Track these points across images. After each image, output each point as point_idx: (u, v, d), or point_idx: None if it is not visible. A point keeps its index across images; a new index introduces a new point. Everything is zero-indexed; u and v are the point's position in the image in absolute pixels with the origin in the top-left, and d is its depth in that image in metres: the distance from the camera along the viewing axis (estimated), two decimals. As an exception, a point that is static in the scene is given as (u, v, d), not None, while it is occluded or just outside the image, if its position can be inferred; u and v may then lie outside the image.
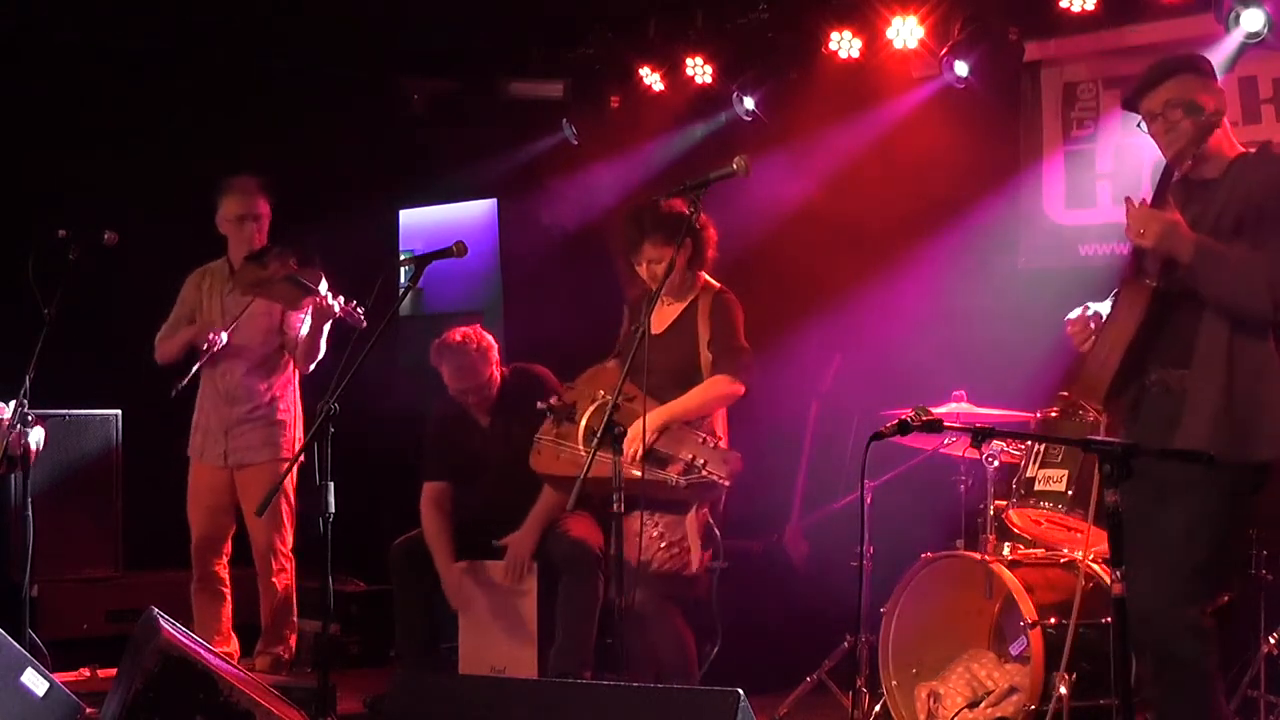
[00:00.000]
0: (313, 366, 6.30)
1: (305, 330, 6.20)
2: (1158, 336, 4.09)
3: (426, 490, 6.07)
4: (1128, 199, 4.11)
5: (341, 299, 6.04)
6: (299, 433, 6.34)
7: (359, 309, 5.95)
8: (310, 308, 6.08)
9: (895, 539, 5.75)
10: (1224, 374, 4.00)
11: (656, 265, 5.15)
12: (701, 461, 4.77)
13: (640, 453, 4.69)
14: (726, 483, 4.87)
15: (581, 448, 5.02)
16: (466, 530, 6.05)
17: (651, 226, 5.14)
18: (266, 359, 6.30)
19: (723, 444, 4.94)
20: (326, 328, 6.14)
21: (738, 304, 5.21)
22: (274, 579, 6.31)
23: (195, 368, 6.08)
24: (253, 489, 6.22)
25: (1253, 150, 4.18)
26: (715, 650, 5.74)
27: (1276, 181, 4.05)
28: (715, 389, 5.03)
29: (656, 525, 4.95)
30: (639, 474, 4.65)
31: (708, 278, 5.26)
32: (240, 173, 6.41)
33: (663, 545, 4.99)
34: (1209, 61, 4.24)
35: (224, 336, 6.15)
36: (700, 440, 4.82)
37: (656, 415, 4.83)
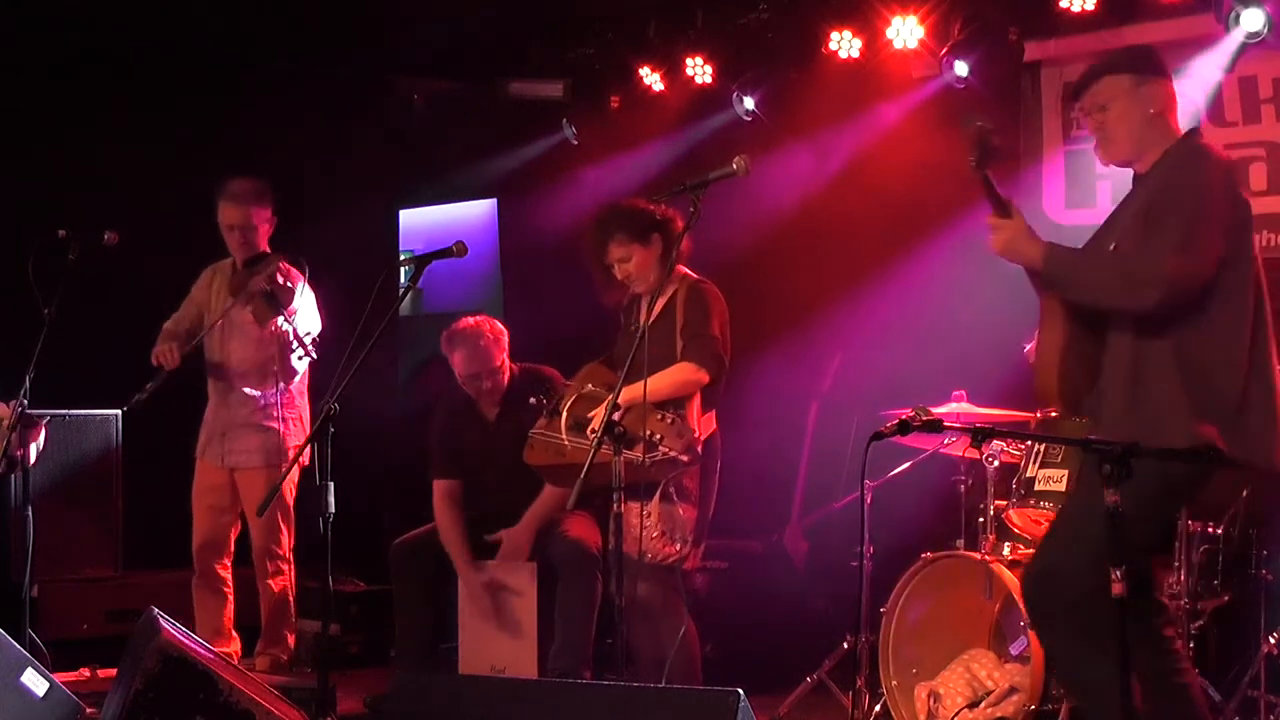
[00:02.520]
0: (296, 379, 6.30)
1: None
2: (1092, 341, 4.08)
3: (438, 488, 6.05)
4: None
5: (304, 323, 6.06)
6: (300, 439, 6.32)
7: (314, 342, 5.97)
8: (275, 327, 6.08)
9: (895, 539, 5.76)
10: (1127, 373, 3.98)
11: (625, 264, 5.20)
12: (658, 437, 4.77)
13: (599, 426, 4.64)
14: (685, 458, 4.84)
15: (565, 437, 5.02)
16: (472, 526, 6.04)
17: (614, 226, 5.21)
18: (261, 365, 6.28)
19: (679, 420, 4.90)
20: (294, 352, 6.11)
21: (714, 294, 5.21)
22: (270, 580, 6.31)
23: (150, 386, 5.98)
24: (250, 492, 6.24)
25: (1180, 141, 4.12)
26: (711, 649, 5.75)
27: (1173, 176, 4.01)
28: (678, 375, 5.02)
29: (650, 515, 4.96)
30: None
31: (686, 269, 5.25)
32: (241, 175, 6.38)
33: (655, 535, 5.00)
34: (1144, 58, 4.19)
35: (177, 358, 6.08)
36: (658, 418, 4.81)
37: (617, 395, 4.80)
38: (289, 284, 6.12)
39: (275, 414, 6.28)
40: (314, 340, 6.00)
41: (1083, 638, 3.98)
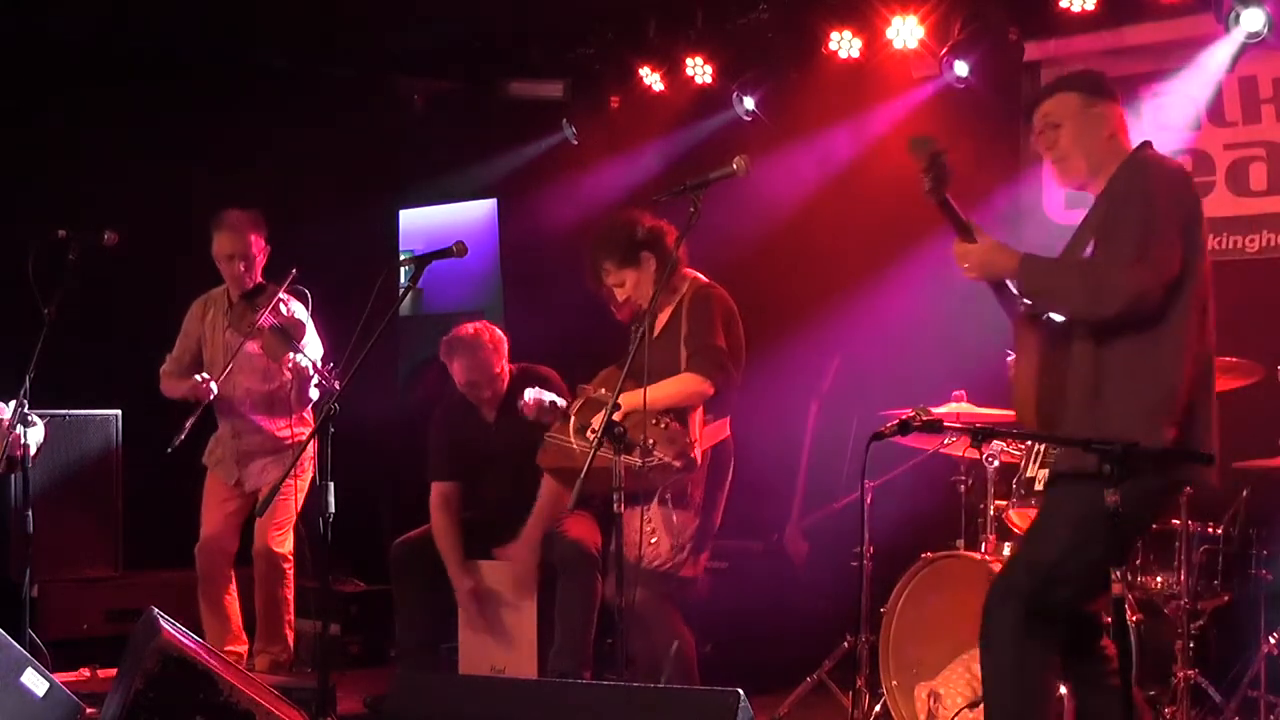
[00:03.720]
0: (308, 407, 6.30)
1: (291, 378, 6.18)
2: (1064, 363, 4.04)
3: (434, 491, 6.06)
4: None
5: (317, 361, 6.02)
6: (312, 453, 6.28)
7: (335, 374, 5.88)
8: (289, 362, 6.06)
9: (895, 539, 5.75)
10: (1087, 381, 3.94)
11: (621, 289, 5.18)
12: (652, 443, 4.76)
13: (599, 427, 4.64)
14: (678, 464, 4.83)
15: (573, 441, 5.02)
16: (470, 529, 6.05)
17: (602, 255, 5.18)
18: (270, 394, 6.27)
19: (675, 426, 4.88)
20: (312, 381, 6.09)
21: (720, 299, 5.17)
22: (268, 578, 6.30)
23: (189, 422, 5.93)
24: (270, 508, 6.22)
25: (1130, 156, 4.09)
26: (711, 649, 5.75)
27: (1123, 186, 3.99)
28: (682, 385, 4.99)
29: (649, 520, 4.96)
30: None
31: (694, 273, 5.24)
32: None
33: (653, 541, 4.99)
34: (1096, 81, 4.17)
35: (214, 387, 6.07)
36: (653, 423, 4.80)
37: (620, 400, 4.78)
38: (294, 316, 6.10)
39: (287, 434, 6.26)
40: (331, 368, 5.96)
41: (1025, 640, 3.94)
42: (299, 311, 6.12)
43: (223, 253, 6.23)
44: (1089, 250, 3.98)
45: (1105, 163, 4.07)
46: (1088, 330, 3.96)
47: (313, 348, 6.13)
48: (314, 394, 6.22)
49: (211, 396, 6.07)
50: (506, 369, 6.02)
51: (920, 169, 3.94)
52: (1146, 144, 4.14)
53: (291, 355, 5.96)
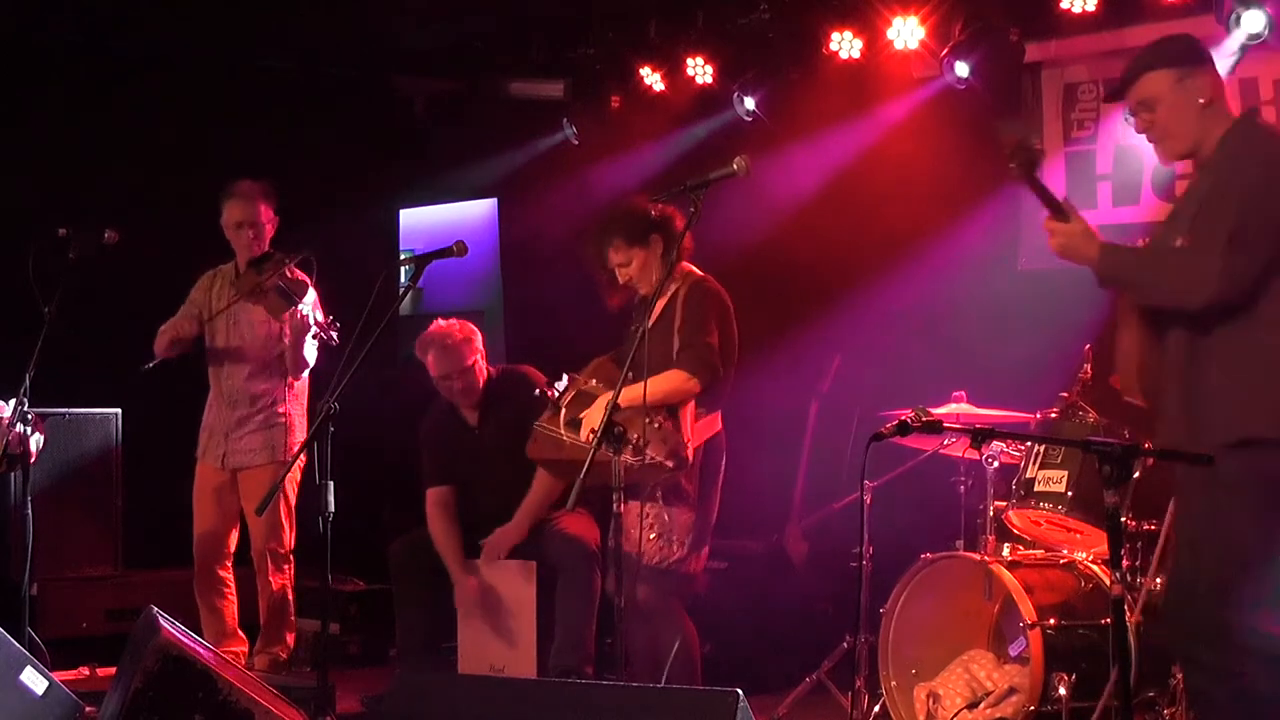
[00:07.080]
0: (304, 374, 6.30)
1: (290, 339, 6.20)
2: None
3: (429, 497, 6.07)
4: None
5: (318, 313, 6.03)
6: (303, 434, 6.32)
7: (334, 326, 5.93)
8: (288, 319, 6.07)
9: (895, 539, 5.75)
10: (1183, 371, 3.90)
11: (626, 269, 5.17)
12: (643, 442, 4.74)
13: (598, 427, 4.63)
14: (669, 464, 4.81)
15: (562, 432, 5.02)
16: (467, 532, 6.05)
17: (611, 233, 5.17)
18: (268, 364, 6.30)
19: (668, 425, 4.87)
20: (309, 340, 6.10)
21: (714, 293, 5.15)
22: (270, 579, 6.31)
23: (151, 364, 6.04)
24: (253, 491, 6.22)
25: (1236, 124, 4.00)
26: (711, 649, 5.76)
27: (1229, 165, 3.91)
28: (669, 382, 4.96)
29: (647, 516, 4.96)
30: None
31: (691, 267, 5.22)
32: (241, 175, 6.40)
33: (652, 536, 4.99)
34: (1183, 49, 4.06)
35: (166, 343, 6.16)
36: (645, 421, 4.77)
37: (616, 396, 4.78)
38: (299, 278, 6.14)
39: (280, 409, 6.30)
40: (332, 323, 5.98)
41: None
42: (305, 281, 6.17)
43: (232, 220, 6.30)
44: (1185, 232, 3.90)
45: (1207, 133, 3.96)
46: (1183, 319, 3.89)
47: (314, 310, 6.16)
48: (312, 352, 6.19)
49: (162, 356, 6.12)
50: (481, 363, 6.04)
51: (1011, 151, 3.86)
52: (1256, 111, 4.06)
53: (297, 311, 5.99)
